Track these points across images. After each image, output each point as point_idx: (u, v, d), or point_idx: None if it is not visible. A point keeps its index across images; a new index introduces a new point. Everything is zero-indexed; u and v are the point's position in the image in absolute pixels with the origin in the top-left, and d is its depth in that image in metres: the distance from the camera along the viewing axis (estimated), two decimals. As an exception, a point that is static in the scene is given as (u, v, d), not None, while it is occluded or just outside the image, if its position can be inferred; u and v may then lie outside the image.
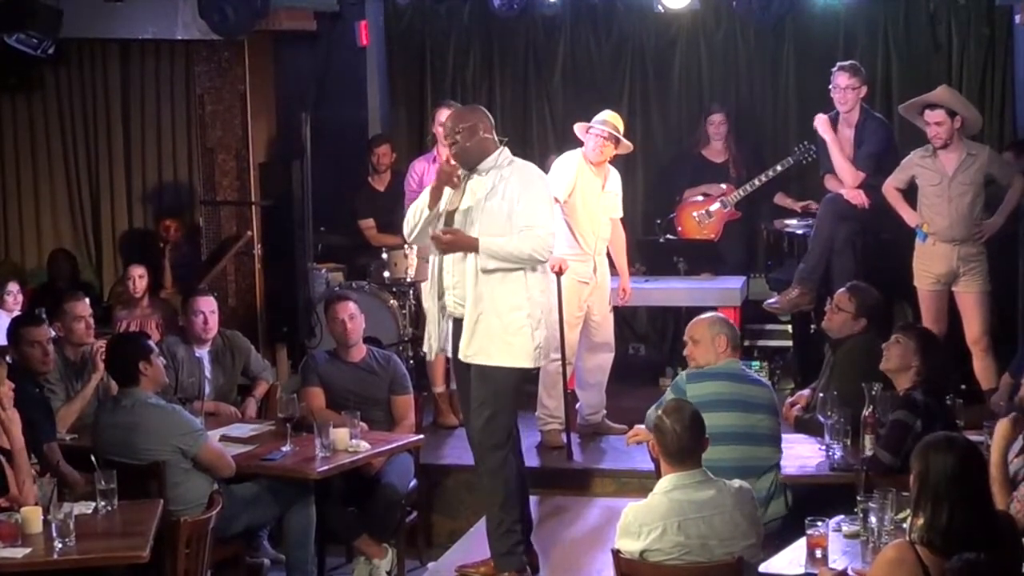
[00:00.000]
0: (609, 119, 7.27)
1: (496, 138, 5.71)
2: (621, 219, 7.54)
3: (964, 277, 7.24)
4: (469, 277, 5.59)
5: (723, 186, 8.91)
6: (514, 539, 5.69)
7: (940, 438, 3.81)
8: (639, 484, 6.33)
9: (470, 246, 5.56)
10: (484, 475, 5.75)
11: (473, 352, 5.62)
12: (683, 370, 5.78)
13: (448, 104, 7.93)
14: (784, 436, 5.70)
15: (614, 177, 7.43)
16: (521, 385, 5.82)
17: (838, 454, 5.47)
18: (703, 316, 5.84)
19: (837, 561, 4.38)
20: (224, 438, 6.14)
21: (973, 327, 7.25)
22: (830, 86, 7.86)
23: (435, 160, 8.09)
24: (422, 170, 8.18)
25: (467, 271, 5.60)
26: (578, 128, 7.34)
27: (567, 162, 7.26)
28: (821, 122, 7.92)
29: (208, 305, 6.93)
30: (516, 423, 5.79)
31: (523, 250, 5.53)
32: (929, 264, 7.31)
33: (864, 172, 7.80)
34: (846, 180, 7.83)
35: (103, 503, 5.10)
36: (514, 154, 5.77)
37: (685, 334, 5.78)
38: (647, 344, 9.65)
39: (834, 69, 7.90)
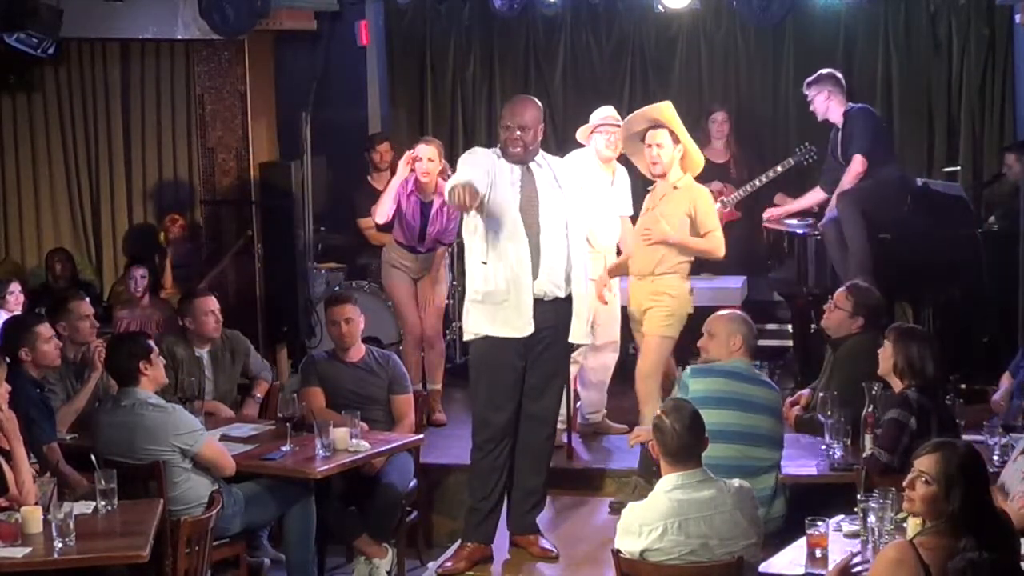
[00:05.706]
0: (610, 113, 7.31)
1: None
2: (631, 216, 7.54)
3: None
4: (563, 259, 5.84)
5: (723, 186, 8.90)
6: (475, 517, 5.94)
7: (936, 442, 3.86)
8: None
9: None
10: None
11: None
12: (683, 368, 5.79)
13: (429, 141, 7.80)
14: (784, 436, 5.69)
15: (622, 174, 7.46)
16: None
17: (838, 454, 5.47)
18: (724, 312, 5.85)
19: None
20: (224, 438, 6.14)
21: None
22: None
23: (412, 194, 7.73)
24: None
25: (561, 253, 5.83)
26: (581, 133, 7.34)
27: (576, 160, 7.25)
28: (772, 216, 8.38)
29: (214, 304, 6.93)
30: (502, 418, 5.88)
31: None
32: None
33: (862, 157, 7.81)
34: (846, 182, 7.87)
35: (103, 503, 5.10)
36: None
37: (704, 326, 5.77)
38: (647, 344, 9.64)
39: None
